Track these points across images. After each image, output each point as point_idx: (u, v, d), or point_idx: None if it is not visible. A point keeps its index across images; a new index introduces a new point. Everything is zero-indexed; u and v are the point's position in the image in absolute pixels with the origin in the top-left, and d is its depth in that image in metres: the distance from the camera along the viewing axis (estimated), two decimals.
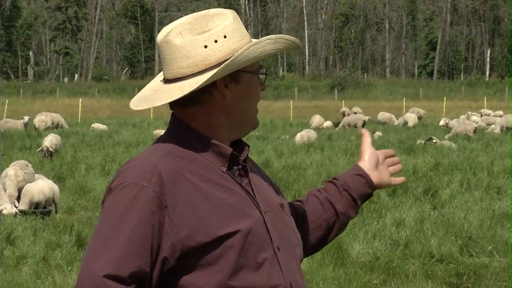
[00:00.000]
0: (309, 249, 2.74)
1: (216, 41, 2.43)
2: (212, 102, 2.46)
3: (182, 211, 2.39)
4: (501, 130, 33.86)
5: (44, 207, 13.94)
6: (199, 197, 2.41)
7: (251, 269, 2.41)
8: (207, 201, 2.41)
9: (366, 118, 40.03)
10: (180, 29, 2.46)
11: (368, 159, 2.69)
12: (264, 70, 2.53)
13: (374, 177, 2.69)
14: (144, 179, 2.39)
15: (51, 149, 21.61)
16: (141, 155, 2.48)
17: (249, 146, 2.53)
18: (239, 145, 2.53)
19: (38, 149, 22.38)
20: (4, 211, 13.25)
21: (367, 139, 2.72)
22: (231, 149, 2.47)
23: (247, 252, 2.40)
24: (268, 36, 2.47)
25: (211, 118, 2.48)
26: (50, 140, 21.96)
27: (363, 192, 2.69)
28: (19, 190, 14.18)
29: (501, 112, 44.19)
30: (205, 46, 2.43)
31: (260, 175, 2.58)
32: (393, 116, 41.99)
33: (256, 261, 2.41)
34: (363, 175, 2.67)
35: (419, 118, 42.42)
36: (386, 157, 2.75)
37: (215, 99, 2.46)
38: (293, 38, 2.52)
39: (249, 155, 2.57)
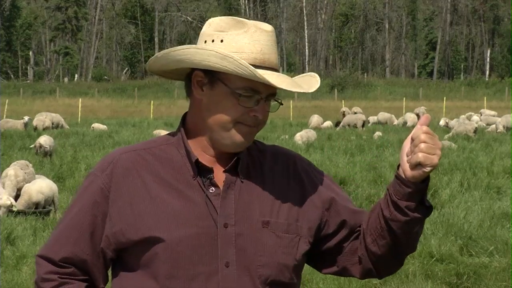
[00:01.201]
0: (384, 261, 2.58)
1: (213, 41, 2.46)
2: (193, 98, 2.51)
3: (122, 206, 2.44)
4: (503, 128, 33.91)
5: (44, 207, 13.95)
6: (144, 197, 2.43)
7: (181, 280, 2.38)
8: (152, 202, 2.42)
9: (376, 118, 39.99)
10: (212, 21, 2.52)
11: (401, 154, 2.48)
12: (244, 93, 2.42)
13: (406, 171, 2.44)
14: (100, 170, 2.51)
15: (45, 146, 21.57)
16: (119, 148, 2.59)
17: (238, 158, 2.48)
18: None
19: (31, 145, 22.40)
20: (8, 201, 13.23)
21: (410, 136, 2.47)
22: (196, 157, 2.45)
23: (176, 262, 2.38)
24: (218, 49, 2.41)
25: (195, 116, 2.52)
26: (44, 141, 21.97)
27: (402, 192, 2.44)
28: (19, 190, 14.20)
29: (493, 112, 44.51)
30: (205, 41, 2.47)
31: (271, 186, 2.51)
32: (393, 116, 42.00)
33: (188, 273, 2.38)
34: (396, 176, 2.47)
35: (419, 117, 42.52)
36: (413, 139, 2.43)
37: (194, 95, 2.50)
38: (250, 69, 2.36)
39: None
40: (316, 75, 2.57)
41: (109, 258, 2.48)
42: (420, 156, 2.37)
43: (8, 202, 13.35)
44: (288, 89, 2.44)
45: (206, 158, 2.48)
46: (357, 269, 2.61)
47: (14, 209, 13.46)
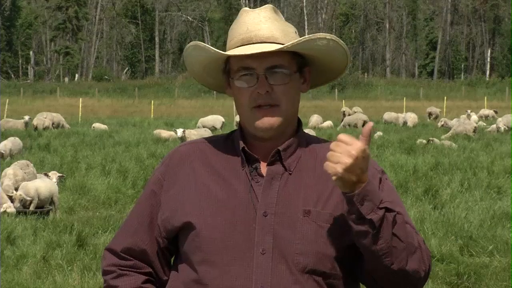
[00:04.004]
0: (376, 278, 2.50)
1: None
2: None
3: (172, 195, 2.52)
4: (504, 128, 33.89)
5: (43, 207, 13.95)
6: (191, 184, 2.50)
7: (216, 266, 2.42)
8: (196, 190, 2.49)
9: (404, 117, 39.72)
10: None
11: None
12: (241, 74, 2.50)
13: None
14: (161, 163, 2.61)
15: (1, 152, 21.46)
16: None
17: (278, 150, 2.51)
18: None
19: None
20: (8, 210, 13.23)
21: None
22: (243, 145, 2.51)
23: (211, 248, 2.42)
24: (187, 47, 2.57)
25: (238, 114, 2.59)
26: (4, 145, 21.83)
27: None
28: (16, 190, 14.22)
29: (488, 111, 44.79)
30: None
31: (323, 179, 2.47)
32: (399, 115, 41.90)
33: (223, 259, 2.41)
34: None
35: (436, 117, 42.75)
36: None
37: None
38: (204, 47, 2.51)
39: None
40: (325, 36, 2.49)
41: (163, 247, 2.54)
42: (324, 164, 2.35)
43: (14, 210, 13.35)
44: (249, 53, 2.45)
45: (255, 150, 2.52)
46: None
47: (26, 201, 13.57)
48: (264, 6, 2.55)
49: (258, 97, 2.47)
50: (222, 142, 2.58)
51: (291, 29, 2.55)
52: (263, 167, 2.50)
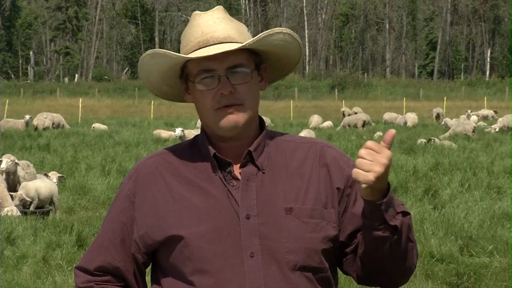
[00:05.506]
0: (372, 277, 2.53)
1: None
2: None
3: (147, 209, 2.49)
4: (503, 128, 33.89)
5: (43, 207, 13.96)
6: (167, 197, 2.48)
7: (209, 274, 2.41)
8: (174, 201, 2.47)
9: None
10: None
11: None
12: (201, 76, 2.48)
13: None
14: (128, 178, 2.58)
15: None
16: (148, 154, 2.67)
17: (249, 151, 2.50)
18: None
19: None
20: (9, 213, 13.23)
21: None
22: (214, 151, 2.50)
23: (201, 257, 2.41)
24: (144, 54, 2.52)
25: (200, 119, 2.58)
26: None
27: (364, 208, 2.42)
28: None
29: (487, 112, 44.84)
30: None
31: (297, 174, 2.50)
32: (399, 116, 41.91)
33: (214, 266, 2.41)
34: None
35: (439, 117, 42.84)
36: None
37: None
38: (166, 53, 2.47)
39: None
40: (281, 30, 2.51)
41: (141, 263, 2.54)
42: (353, 172, 2.33)
43: (18, 214, 13.34)
44: (212, 53, 2.44)
45: (224, 154, 2.50)
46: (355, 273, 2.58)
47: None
48: (215, 7, 2.55)
49: (222, 98, 2.46)
50: (187, 150, 2.55)
51: (244, 27, 2.55)
52: (236, 170, 2.49)
